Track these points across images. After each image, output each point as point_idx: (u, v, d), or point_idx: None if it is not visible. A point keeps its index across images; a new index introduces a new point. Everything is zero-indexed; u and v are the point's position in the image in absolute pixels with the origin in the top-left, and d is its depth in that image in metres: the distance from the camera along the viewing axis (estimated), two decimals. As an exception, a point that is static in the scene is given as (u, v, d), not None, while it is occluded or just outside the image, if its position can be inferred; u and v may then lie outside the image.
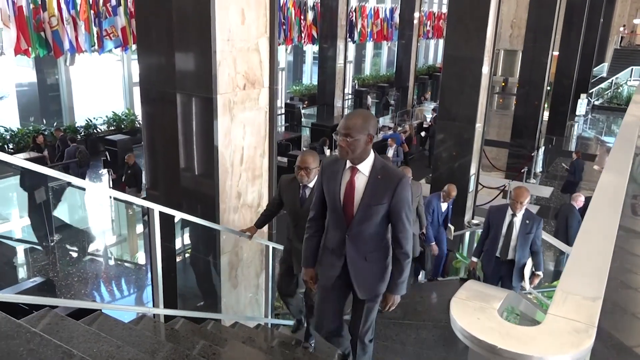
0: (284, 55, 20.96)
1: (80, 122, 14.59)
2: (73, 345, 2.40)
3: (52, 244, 8.53)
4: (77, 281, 7.62)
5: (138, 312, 4.15)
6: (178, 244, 5.05)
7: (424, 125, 17.28)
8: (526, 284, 5.22)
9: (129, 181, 10.14)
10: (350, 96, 22.73)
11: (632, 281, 3.62)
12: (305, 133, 16.97)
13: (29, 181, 8.54)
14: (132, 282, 8.18)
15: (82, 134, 14.24)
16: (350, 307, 3.13)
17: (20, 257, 8.37)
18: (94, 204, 10.53)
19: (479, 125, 9.62)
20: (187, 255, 5.36)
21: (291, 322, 4.63)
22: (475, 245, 6.28)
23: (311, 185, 3.70)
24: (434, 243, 6.47)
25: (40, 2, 11.69)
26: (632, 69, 29.32)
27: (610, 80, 28.74)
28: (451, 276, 7.40)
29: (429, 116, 18.96)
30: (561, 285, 1.22)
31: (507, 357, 0.97)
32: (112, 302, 7.41)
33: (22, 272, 8.06)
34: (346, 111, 19.33)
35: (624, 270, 3.65)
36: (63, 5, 12.17)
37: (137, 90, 16.68)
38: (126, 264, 9.13)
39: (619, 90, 28.10)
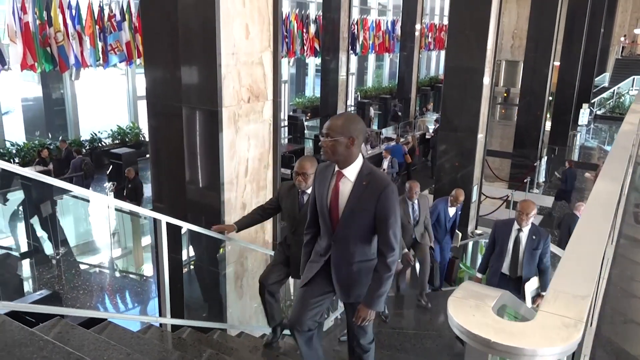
0: (286, 67, 21.10)
1: (85, 135, 14.73)
2: (84, 352, 2.45)
3: (57, 257, 8.60)
4: (82, 294, 7.68)
5: (145, 322, 4.19)
6: (184, 256, 5.11)
7: (427, 137, 17.36)
8: (528, 303, 4.63)
9: (130, 195, 10.19)
10: (352, 108, 22.83)
11: (633, 288, 3.66)
12: (308, 145, 17.06)
13: (36, 195, 8.61)
14: (137, 295, 8.22)
15: (87, 147, 14.36)
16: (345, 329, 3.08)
17: (26, 271, 8.42)
18: (100, 215, 10.60)
19: (481, 136, 9.67)
20: (192, 266, 5.41)
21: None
22: (478, 257, 6.20)
23: (309, 191, 3.68)
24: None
25: (46, 18, 11.86)
26: (633, 78, 29.33)
27: (612, 90, 28.78)
28: (457, 286, 7.40)
29: (431, 127, 19.05)
30: (553, 285, 1.28)
31: (500, 350, 1.03)
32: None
33: (27, 286, 8.10)
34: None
35: (625, 277, 3.68)
36: (69, 21, 12.35)
37: (141, 104, 16.76)
38: (131, 276, 9.17)
39: (621, 100, 28.12)
